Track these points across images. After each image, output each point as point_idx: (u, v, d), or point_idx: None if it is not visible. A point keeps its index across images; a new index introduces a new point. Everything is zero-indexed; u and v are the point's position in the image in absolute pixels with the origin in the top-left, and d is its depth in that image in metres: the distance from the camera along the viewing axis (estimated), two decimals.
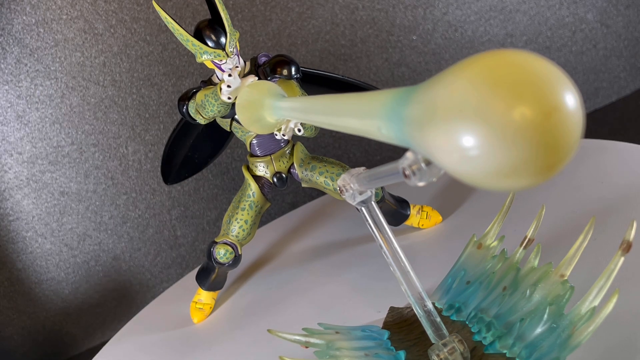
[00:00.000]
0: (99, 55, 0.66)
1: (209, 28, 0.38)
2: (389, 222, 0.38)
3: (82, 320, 0.74)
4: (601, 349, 0.28)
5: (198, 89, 0.41)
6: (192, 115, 0.41)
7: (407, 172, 0.21)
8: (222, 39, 0.38)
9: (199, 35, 0.38)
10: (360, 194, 0.30)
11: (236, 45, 0.39)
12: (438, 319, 0.31)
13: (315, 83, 0.44)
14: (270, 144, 0.43)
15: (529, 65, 0.16)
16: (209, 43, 0.38)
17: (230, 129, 0.43)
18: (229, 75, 0.38)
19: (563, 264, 0.30)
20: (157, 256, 0.74)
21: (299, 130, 0.39)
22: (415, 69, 0.74)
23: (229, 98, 0.38)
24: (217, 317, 0.48)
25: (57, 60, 0.65)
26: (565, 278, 0.29)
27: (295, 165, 0.44)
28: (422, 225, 0.47)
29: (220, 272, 0.47)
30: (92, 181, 0.70)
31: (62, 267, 0.72)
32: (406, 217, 0.46)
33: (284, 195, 0.75)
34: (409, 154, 0.21)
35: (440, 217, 0.47)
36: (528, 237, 0.33)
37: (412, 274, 0.31)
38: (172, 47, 0.67)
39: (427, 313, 0.31)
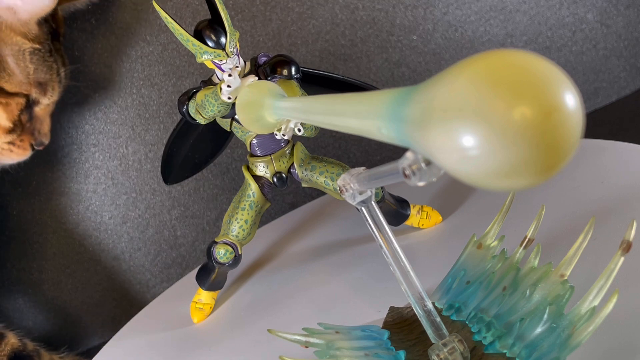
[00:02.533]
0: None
1: (209, 28, 0.38)
2: (389, 222, 0.38)
3: (82, 320, 0.74)
4: (601, 349, 0.28)
5: (198, 89, 0.41)
6: (192, 115, 0.41)
7: (407, 172, 0.21)
8: (222, 39, 0.38)
9: (199, 35, 0.38)
10: (360, 193, 0.30)
11: (236, 45, 0.39)
12: (438, 319, 0.31)
13: (315, 83, 0.44)
14: (270, 144, 0.43)
15: (529, 65, 0.16)
16: (209, 43, 0.38)
17: (230, 129, 0.43)
18: (229, 75, 0.38)
19: (563, 264, 0.30)
20: (157, 256, 0.74)
21: (299, 130, 0.39)
22: (415, 69, 0.74)
23: (229, 98, 0.38)
24: (217, 317, 0.48)
25: None
26: (565, 278, 0.29)
27: (295, 165, 0.44)
28: (422, 225, 0.47)
29: (220, 272, 0.47)
30: (92, 181, 0.70)
31: (61, 268, 0.72)
32: (406, 217, 0.46)
33: (284, 195, 0.75)
34: (409, 154, 0.21)
35: (440, 217, 0.47)
36: (528, 237, 0.33)
37: (412, 274, 0.31)
38: (172, 47, 0.67)
39: (427, 313, 0.31)
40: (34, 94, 0.53)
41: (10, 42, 0.50)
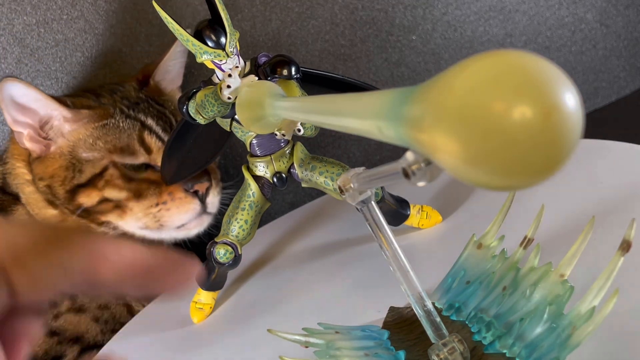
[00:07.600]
0: (100, 56, 0.66)
1: (209, 28, 0.38)
2: (389, 222, 0.38)
3: None
4: (601, 349, 0.28)
5: (198, 89, 0.41)
6: (192, 115, 0.41)
7: (407, 172, 0.21)
8: (222, 39, 0.38)
9: (199, 35, 0.38)
10: (360, 193, 0.30)
11: (236, 45, 0.39)
12: (438, 319, 0.31)
13: (315, 83, 0.44)
14: (270, 144, 0.43)
15: (529, 65, 0.16)
16: (209, 43, 0.38)
17: (230, 129, 0.43)
18: (229, 75, 0.38)
19: (563, 264, 0.30)
20: None
21: (299, 130, 0.39)
22: (415, 69, 0.74)
23: (229, 98, 0.38)
24: (217, 317, 0.48)
25: (58, 60, 0.65)
26: (565, 278, 0.30)
27: (295, 165, 0.44)
28: (422, 225, 0.47)
29: (220, 272, 0.47)
30: None
31: None
32: (406, 217, 0.46)
33: (284, 195, 0.75)
34: (409, 154, 0.21)
35: (440, 217, 0.47)
36: (528, 237, 0.33)
37: (412, 274, 0.31)
38: None
39: (427, 313, 0.31)
40: (117, 158, 0.55)
41: (74, 141, 0.56)
